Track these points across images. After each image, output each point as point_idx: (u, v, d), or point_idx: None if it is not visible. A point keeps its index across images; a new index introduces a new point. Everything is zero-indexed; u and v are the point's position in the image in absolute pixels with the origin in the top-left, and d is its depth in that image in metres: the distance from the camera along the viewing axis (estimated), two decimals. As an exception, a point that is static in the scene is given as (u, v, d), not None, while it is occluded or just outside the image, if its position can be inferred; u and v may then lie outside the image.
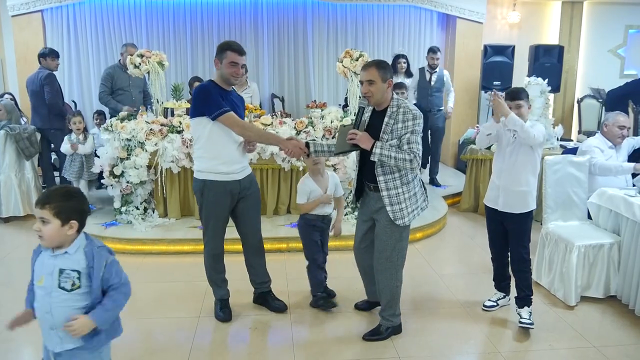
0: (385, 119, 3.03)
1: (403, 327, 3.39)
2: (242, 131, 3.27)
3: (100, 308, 2.04)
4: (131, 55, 5.62)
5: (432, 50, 6.84)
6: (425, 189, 3.27)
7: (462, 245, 5.23)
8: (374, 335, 3.31)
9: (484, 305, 3.74)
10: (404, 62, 7.12)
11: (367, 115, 3.18)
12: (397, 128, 2.98)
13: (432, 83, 6.85)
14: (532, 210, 3.45)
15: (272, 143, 3.39)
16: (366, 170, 3.16)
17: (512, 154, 3.41)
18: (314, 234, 3.68)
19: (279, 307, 3.67)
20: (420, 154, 2.98)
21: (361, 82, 3.08)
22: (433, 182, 6.99)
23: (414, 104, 3.41)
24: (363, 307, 3.70)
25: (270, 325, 3.51)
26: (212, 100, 3.19)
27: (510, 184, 3.41)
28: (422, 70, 6.99)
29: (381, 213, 3.13)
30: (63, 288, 2.01)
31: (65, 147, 5.66)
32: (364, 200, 3.31)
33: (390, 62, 7.34)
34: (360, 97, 3.19)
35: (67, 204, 2.01)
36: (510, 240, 3.53)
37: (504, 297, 3.75)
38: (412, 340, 3.32)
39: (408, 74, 7.14)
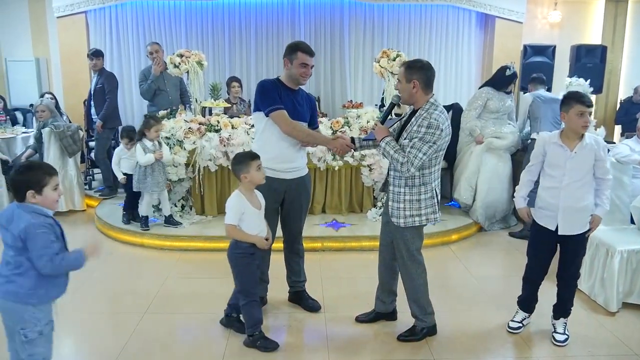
0: (412, 120, 3.07)
1: (438, 328, 3.37)
2: (289, 130, 3.30)
3: None
4: (151, 53, 6.05)
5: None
6: (438, 202, 3.14)
7: (497, 248, 5.15)
8: (409, 335, 3.31)
9: (509, 327, 3.43)
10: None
11: (407, 114, 3.25)
12: (413, 130, 3.00)
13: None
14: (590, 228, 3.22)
15: (320, 143, 3.49)
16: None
17: (573, 170, 3.08)
18: (253, 264, 3.14)
19: (312, 306, 3.70)
20: (417, 163, 2.94)
21: None
22: None
23: None
24: (363, 319, 3.53)
25: (305, 324, 3.54)
26: (268, 96, 3.30)
27: (574, 202, 3.10)
28: None
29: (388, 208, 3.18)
30: None
31: (147, 158, 4.85)
32: (387, 194, 3.33)
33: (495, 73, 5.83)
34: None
35: None
36: (566, 260, 3.26)
37: (529, 316, 3.50)
38: (446, 341, 3.30)
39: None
